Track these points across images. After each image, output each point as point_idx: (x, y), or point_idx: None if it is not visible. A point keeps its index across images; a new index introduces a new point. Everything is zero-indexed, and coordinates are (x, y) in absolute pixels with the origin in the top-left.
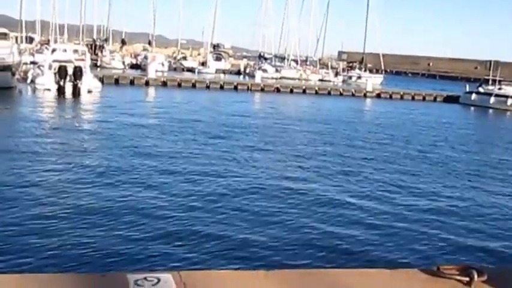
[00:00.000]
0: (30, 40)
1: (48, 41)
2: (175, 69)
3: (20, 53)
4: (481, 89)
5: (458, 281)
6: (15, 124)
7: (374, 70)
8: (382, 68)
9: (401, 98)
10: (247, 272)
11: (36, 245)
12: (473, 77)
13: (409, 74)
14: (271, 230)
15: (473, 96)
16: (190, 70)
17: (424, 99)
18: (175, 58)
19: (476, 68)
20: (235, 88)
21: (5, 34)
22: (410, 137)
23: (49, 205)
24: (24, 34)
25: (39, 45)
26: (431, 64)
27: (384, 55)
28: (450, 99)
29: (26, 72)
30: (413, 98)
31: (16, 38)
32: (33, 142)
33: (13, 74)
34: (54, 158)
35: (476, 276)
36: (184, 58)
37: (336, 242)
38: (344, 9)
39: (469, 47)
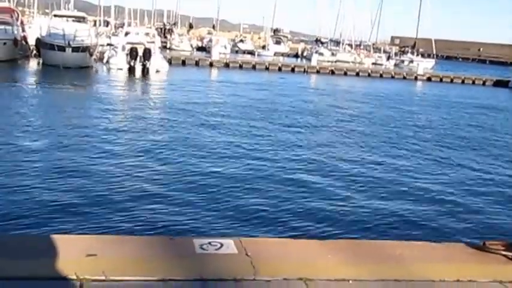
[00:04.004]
0: (107, 24)
1: (123, 24)
2: (236, 51)
3: (97, 35)
4: None
5: (504, 256)
6: (92, 99)
7: (426, 55)
8: (434, 52)
9: (452, 81)
10: (302, 241)
11: (114, 209)
12: None
13: (460, 59)
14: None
15: None
16: (251, 53)
17: (473, 83)
18: (234, 41)
19: None
20: (293, 70)
21: (84, 18)
22: (460, 119)
23: (126, 175)
24: (101, 18)
25: (114, 29)
26: (481, 49)
27: (435, 40)
28: (499, 84)
29: (102, 53)
30: (463, 82)
31: (94, 21)
32: (107, 115)
33: (91, 55)
34: (126, 129)
35: None
36: (241, 41)
37: (390, 216)
38: None
39: None
